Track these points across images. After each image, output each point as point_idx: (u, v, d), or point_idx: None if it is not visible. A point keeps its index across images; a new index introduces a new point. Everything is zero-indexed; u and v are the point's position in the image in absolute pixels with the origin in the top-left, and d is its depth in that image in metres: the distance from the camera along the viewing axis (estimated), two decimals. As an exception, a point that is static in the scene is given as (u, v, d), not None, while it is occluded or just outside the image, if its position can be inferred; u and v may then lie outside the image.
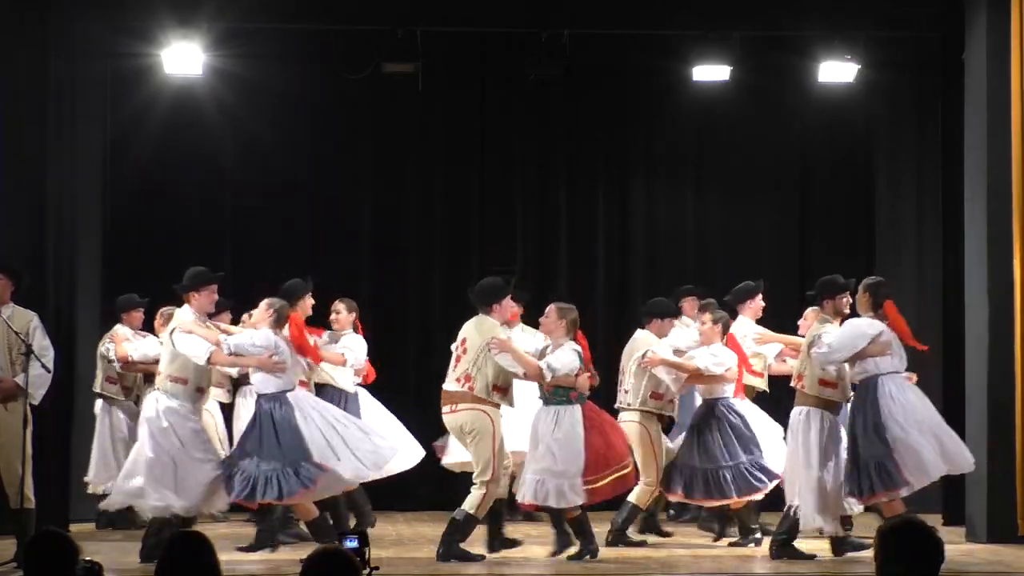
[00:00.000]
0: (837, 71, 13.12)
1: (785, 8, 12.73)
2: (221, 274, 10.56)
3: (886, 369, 10.04)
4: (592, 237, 14.53)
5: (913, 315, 13.05)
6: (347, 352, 11.24)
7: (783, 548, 10.20)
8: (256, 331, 10.26)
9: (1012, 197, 11.15)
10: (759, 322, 11.59)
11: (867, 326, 10.07)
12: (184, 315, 10.21)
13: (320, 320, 11.47)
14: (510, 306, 10.50)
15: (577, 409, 10.05)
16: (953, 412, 12.12)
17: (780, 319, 11.72)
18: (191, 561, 4.63)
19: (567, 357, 10.08)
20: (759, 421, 11.06)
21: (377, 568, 5.33)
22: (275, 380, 10.10)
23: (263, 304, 10.29)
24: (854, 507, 10.31)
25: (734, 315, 11.56)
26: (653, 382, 10.86)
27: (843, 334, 10.15)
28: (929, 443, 9.93)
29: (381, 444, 10.32)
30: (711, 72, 13.26)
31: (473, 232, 14.36)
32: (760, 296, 11.63)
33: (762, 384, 11.55)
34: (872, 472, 9.87)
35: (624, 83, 14.33)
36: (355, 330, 11.47)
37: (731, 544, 10.96)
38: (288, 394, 10.09)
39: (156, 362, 11.68)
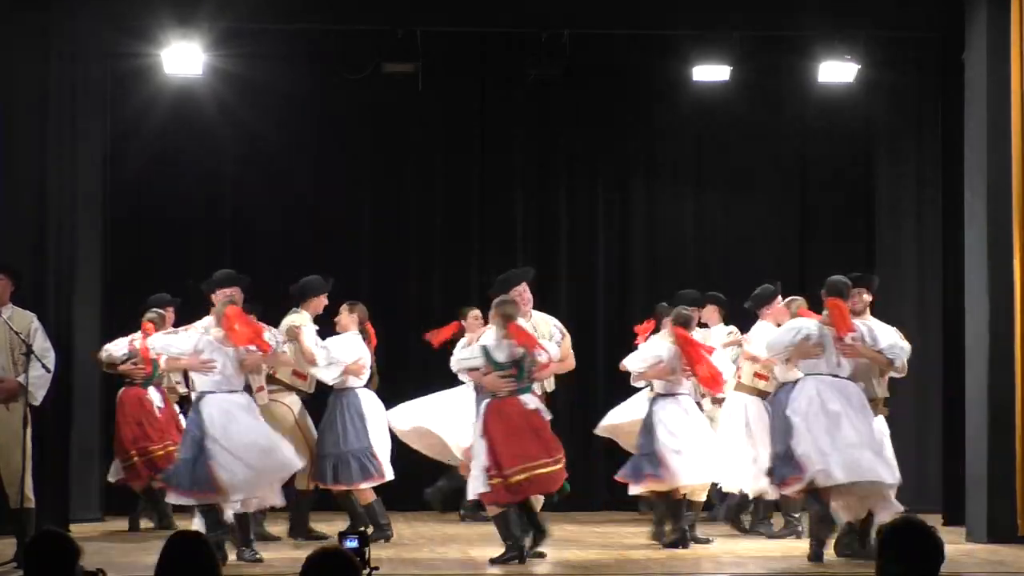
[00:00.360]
0: (837, 71, 13.12)
1: (785, 8, 12.72)
2: (247, 278, 10.60)
3: (807, 371, 9.99)
4: (592, 237, 14.53)
5: (913, 315, 13.12)
6: (319, 351, 11.05)
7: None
8: (183, 334, 10.30)
9: (1012, 197, 11.14)
10: None
11: (794, 332, 10.03)
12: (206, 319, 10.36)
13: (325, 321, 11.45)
14: (519, 293, 10.50)
15: (482, 404, 9.92)
16: (953, 412, 12.16)
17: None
18: (191, 561, 4.62)
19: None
20: (686, 422, 10.86)
21: (377, 568, 5.34)
22: (207, 379, 9.92)
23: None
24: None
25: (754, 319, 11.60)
26: None
27: (775, 335, 10.27)
28: (828, 447, 9.80)
29: (280, 457, 10.05)
30: (711, 72, 13.26)
31: (473, 232, 14.36)
32: (779, 299, 11.59)
33: (766, 387, 11.56)
34: (786, 461, 9.89)
35: (624, 83, 14.33)
36: (364, 334, 11.38)
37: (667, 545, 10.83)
38: (209, 396, 9.87)
39: (122, 363, 11.81)
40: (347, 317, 11.37)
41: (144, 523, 12.00)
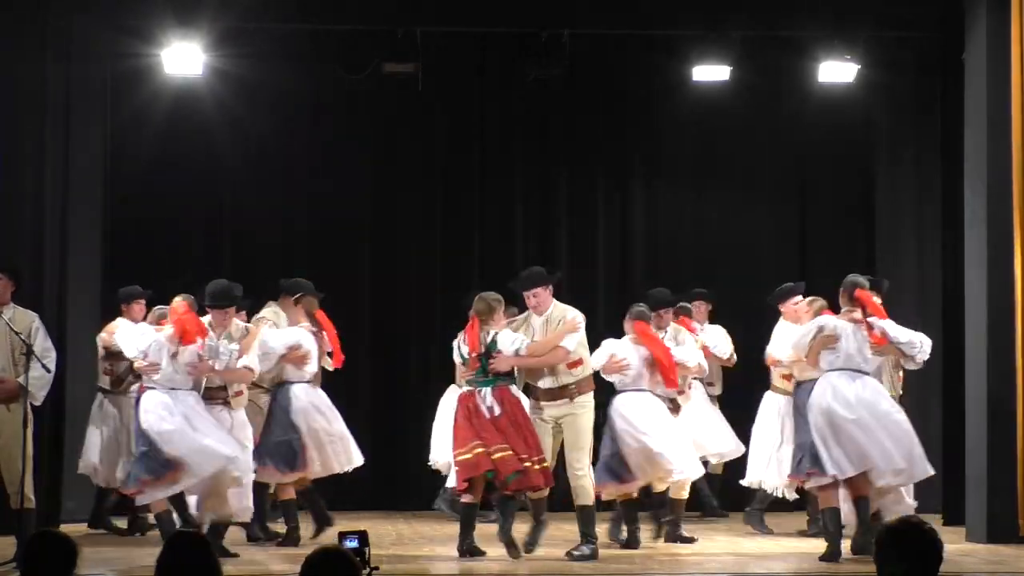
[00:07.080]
0: (837, 71, 13.13)
1: (785, 8, 12.73)
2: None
3: (828, 367, 10.14)
4: (592, 237, 14.53)
5: (913, 316, 13.09)
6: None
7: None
8: (144, 333, 10.35)
9: (1012, 197, 11.14)
10: None
11: (815, 328, 10.25)
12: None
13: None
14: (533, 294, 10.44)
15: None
16: (953, 412, 12.16)
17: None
18: (191, 561, 4.62)
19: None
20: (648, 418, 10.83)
21: (377, 568, 5.32)
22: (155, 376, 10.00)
23: None
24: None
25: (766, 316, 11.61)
26: None
27: (797, 335, 10.50)
28: (843, 443, 10.00)
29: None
30: (711, 72, 13.27)
31: (473, 232, 14.36)
32: (799, 297, 11.49)
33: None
34: (809, 456, 10.07)
35: (624, 83, 14.33)
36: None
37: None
38: (148, 391, 9.97)
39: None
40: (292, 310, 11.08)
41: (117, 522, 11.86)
